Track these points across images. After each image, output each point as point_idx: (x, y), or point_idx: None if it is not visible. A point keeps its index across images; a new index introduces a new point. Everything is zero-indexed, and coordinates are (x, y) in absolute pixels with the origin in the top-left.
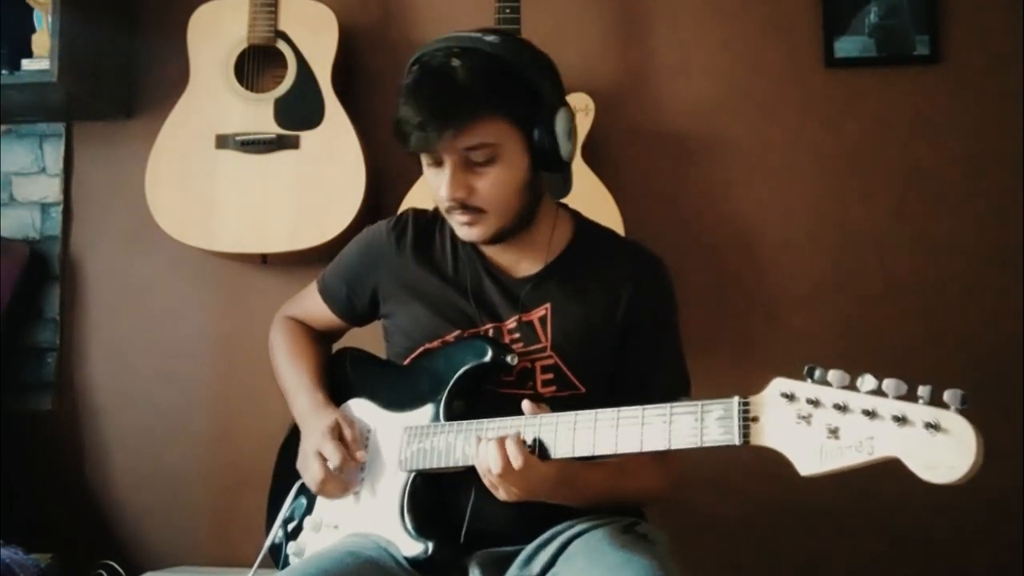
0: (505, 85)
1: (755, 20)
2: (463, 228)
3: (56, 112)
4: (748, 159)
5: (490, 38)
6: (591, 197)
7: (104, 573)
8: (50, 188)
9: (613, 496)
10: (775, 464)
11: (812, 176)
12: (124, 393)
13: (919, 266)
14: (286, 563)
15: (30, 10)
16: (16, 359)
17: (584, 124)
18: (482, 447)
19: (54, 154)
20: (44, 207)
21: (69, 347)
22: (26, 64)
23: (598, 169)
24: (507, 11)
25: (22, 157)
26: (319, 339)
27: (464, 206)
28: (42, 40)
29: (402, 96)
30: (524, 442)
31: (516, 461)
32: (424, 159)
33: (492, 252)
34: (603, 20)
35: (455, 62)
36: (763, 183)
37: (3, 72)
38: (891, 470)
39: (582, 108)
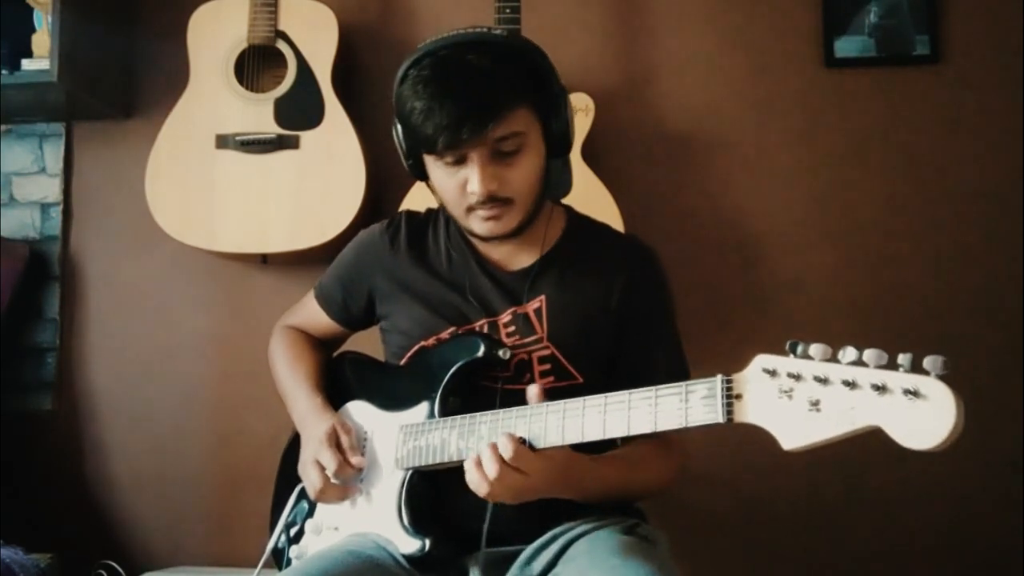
0: (524, 74)
1: (755, 20)
2: (488, 223)
3: (56, 112)
4: (748, 159)
5: (497, 31)
6: (591, 197)
7: (104, 573)
8: (50, 188)
9: (620, 489)
10: (777, 464)
11: (812, 176)
12: (124, 393)
13: (919, 265)
14: (288, 566)
15: (30, 10)
16: (16, 359)
17: (584, 124)
18: (469, 463)
19: (54, 154)
20: (44, 207)
21: (69, 347)
22: (26, 64)
23: (598, 169)
24: (507, 11)
25: (22, 157)
26: (318, 345)
27: (494, 199)
28: (42, 40)
29: (419, 99)
30: (512, 436)
31: (506, 452)
32: (440, 160)
33: (486, 248)
34: (603, 20)
35: (471, 57)
36: (763, 183)
37: (3, 72)
38: (891, 466)
39: (582, 108)
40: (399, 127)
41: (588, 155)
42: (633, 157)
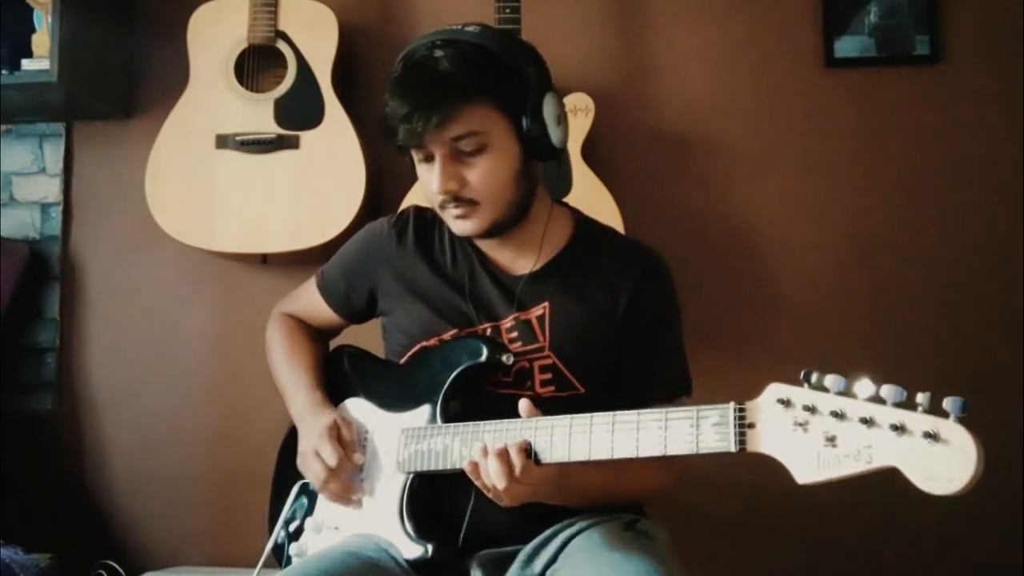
0: (489, 72)
1: (755, 20)
2: (457, 222)
3: (56, 112)
4: (748, 159)
5: (471, 28)
6: (591, 197)
7: (104, 573)
8: (50, 188)
9: (610, 495)
10: (776, 463)
11: (812, 176)
12: (124, 393)
13: (918, 265)
14: (289, 564)
15: (30, 10)
16: (16, 359)
17: (584, 124)
18: (481, 465)
19: (54, 154)
20: (44, 207)
21: (69, 347)
22: (26, 64)
23: (598, 169)
24: (507, 11)
25: (22, 157)
26: (316, 336)
27: (457, 199)
28: (42, 40)
29: (388, 92)
30: (526, 450)
31: (518, 470)
32: (415, 156)
33: (489, 249)
34: (603, 20)
35: (438, 53)
36: (763, 183)
37: (3, 72)
38: (892, 471)
39: (582, 108)
40: None
41: (588, 155)
42: (633, 157)
